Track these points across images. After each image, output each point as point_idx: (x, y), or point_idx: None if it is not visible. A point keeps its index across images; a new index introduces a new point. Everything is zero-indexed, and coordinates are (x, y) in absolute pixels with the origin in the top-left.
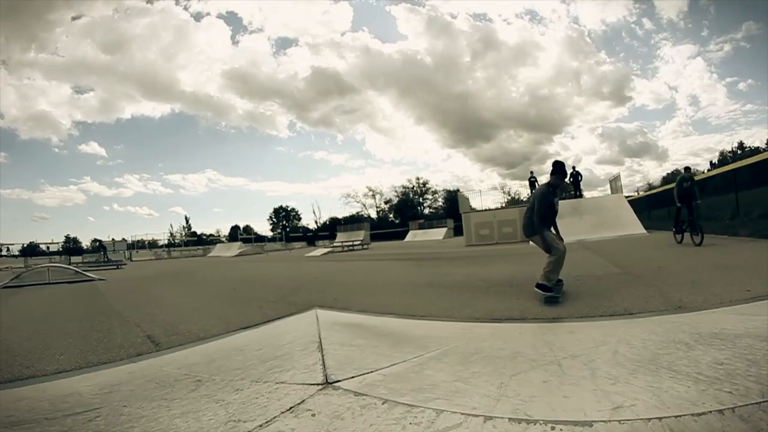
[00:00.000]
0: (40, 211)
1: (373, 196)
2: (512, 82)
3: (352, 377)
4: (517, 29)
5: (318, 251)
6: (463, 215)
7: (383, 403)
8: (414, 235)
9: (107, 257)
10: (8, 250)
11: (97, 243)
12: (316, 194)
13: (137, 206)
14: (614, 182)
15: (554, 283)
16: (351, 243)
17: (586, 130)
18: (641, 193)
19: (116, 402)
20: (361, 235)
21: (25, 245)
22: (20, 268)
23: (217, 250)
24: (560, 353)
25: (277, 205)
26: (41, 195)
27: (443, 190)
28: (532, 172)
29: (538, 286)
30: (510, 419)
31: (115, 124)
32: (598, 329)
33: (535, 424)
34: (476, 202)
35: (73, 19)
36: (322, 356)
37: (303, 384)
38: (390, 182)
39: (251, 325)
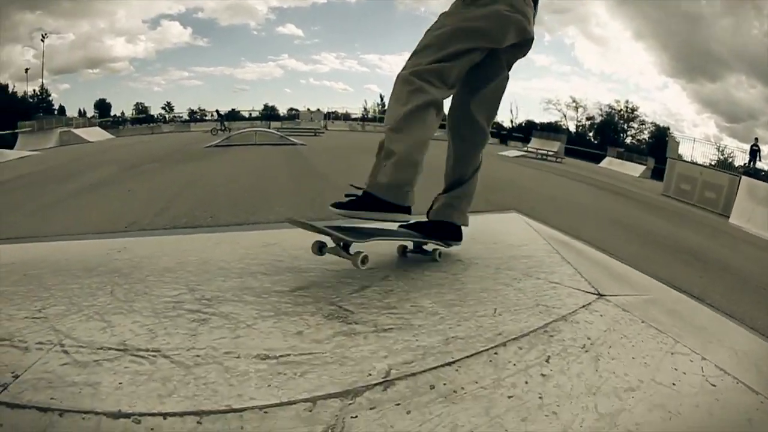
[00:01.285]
0: (240, 84)
1: (576, 108)
2: (757, 14)
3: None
4: None
5: (510, 152)
6: (669, 160)
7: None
8: (610, 162)
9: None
10: (211, 116)
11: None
12: (515, 92)
13: (333, 81)
14: None
15: None
16: (545, 152)
17: None
18: None
19: None
20: (555, 146)
21: (227, 111)
22: (223, 130)
23: None
24: None
25: None
26: (242, 71)
27: (652, 123)
28: (756, 139)
29: None
30: None
31: (311, 8)
32: None
33: None
34: (686, 150)
35: None
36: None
37: (576, 289)
38: (595, 97)
39: None
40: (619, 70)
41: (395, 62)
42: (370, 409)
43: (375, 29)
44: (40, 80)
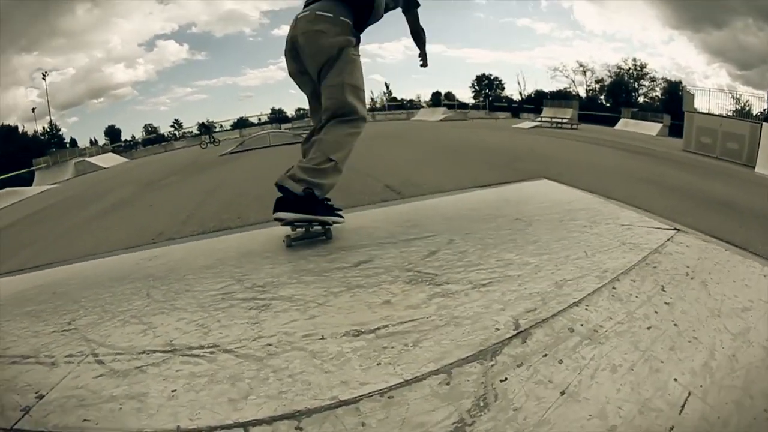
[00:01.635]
0: (244, 91)
1: (584, 72)
2: None
3: None
4: None
5: (524, 124)
6: (686, 114)
7: None
8: (625, 124)
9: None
10: (221, 126)
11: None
12: (520, 64)
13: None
14: None
15: None
16: (559, 120)
17: None
18: None
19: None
20: (568, 113)
21: (235, 120)
22: (236, 138)
23: (421, 115)
24: None
25: (479, 73)
26: (244, 78)
27: (662, 78)
28: None
29: None
30: None
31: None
32: None
33: None
34: (701, 103)
35: None
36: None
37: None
38: (602, 59)
39: (485, 185)
40: (622, 28)
41: (395, 48)
42: (518, 366)
43: None
44: (48, 117)
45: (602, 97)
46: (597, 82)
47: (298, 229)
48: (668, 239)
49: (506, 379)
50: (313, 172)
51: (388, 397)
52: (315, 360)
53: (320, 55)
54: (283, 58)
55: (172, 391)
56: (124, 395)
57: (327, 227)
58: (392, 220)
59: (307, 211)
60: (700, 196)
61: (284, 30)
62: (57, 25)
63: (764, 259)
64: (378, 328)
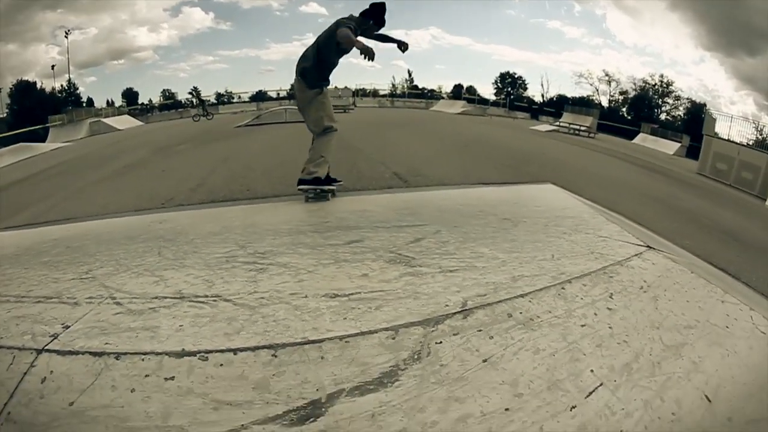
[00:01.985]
0: (266, 65)
1: (609, 82)
2: None
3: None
4: None
5: (542, 126)
6: (705, 137)
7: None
8: (644, 139)
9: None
10: (239, 97)
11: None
12: (545, 66)
13: (359, 58)
14: None
15: None
16: (577, 126)
17: None
18: None
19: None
20: (588, 120)
21: (254, 93)
22: (254, 110)
23: (440, 106)
24: None
25: (503, 70)
26: (267, 51)
27: (687, 98)
28: None
29: None
30: None
31: None
32: None
33: None
34: (722, 128)
35: None
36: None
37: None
38: (629, 71)
39: (490, 182)
40: (653, 43)
41: (422, 37)
42: (454, 335)
43: (400, 3)
44: (67, 75)
45: (624, 109)
46: (621, 93)
47: (312, 194)
48: (636, 254)
49: (441, 342)
50: (314, 165)
51: (345, 342)
52: (296, 312)
53: (300, 102)
54: (308, 34)
55: (180, 326)
56: (140, 327)
57: (329, 191)
58: (392, 206)
59: (314, 184)
60: (705, 221)
61: (312, 7)
62: None
63: (748, 289)
64: (351, 294)
